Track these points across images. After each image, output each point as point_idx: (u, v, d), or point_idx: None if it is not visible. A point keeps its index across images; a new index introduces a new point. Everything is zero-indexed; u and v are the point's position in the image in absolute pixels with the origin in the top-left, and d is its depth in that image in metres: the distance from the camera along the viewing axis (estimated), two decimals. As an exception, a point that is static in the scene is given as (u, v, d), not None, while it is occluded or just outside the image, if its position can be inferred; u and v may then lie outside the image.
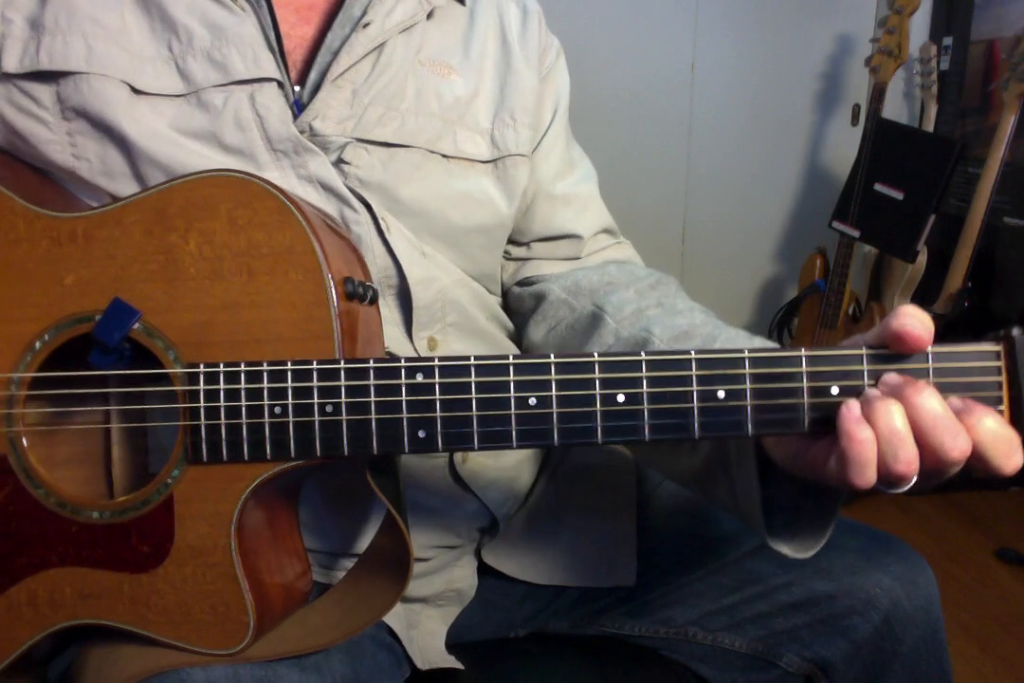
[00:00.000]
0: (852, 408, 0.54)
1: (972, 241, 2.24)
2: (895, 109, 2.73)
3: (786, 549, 0.64)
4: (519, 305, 0.89)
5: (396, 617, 0.79)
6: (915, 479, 0.53)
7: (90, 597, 0.64)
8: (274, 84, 0.72)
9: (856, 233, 2.34)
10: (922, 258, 2.30)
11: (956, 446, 0.52)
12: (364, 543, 0.73)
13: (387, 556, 0.67)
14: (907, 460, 0.52)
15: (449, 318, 0.78)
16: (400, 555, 0.65)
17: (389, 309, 0.76)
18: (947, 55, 2.62)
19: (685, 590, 0.84)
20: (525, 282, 0.89)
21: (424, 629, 0.83)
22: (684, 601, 0.84)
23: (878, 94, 2.37)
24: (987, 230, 2.23)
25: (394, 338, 0.75)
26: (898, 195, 2.24)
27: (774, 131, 2.88)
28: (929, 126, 2.54)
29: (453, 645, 0.84)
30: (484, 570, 0.88)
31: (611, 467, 0.93)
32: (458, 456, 0.81)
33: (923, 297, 2.38)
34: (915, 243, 2.18)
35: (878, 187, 2.29)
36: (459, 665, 0.81)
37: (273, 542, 0.67)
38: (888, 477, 0.53)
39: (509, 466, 0.86)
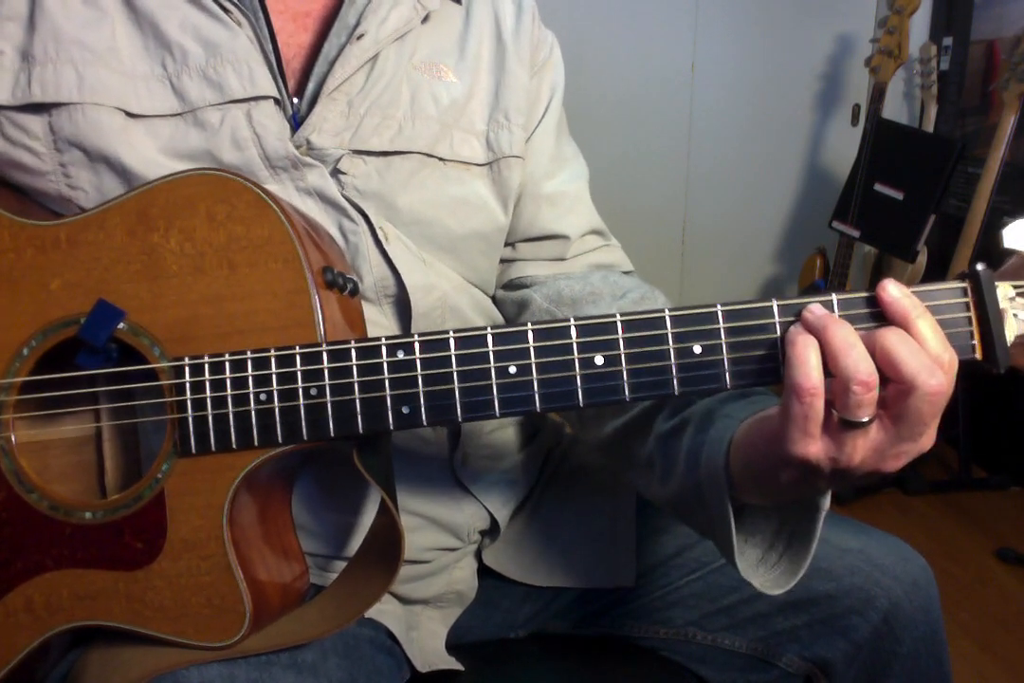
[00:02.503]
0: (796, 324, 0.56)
1: (972, 241, 2.23)
2: (895, 109, 2.73)
3: (756, 582, 0.64)
4: (501, 310, 0.88)
5: (396, 619, 0.79)
6: (873, 410, 0.53)
7: (86, 598, 0.64)
8: (271, 101, 0.72)
9: (856, 233, 2.34)
10: (922, 258, 2.30)
11: (933, 375, 0.52)
12: (358, 545, 0.73)
13: (380, 542, 0.68)
14: (860, 359, 0.53)
15: (448, 324, 0.78)
16: (392, 537, 0.65)
17: (387, 318, 0.76)
18: (947, 55, 2.62)
19: (684, 591, 0.84)
20: (509, 285, 0.88)
21: (425, 630, 0.83)
22: (683, 602, 0.84)
23: (878, 94, 2.37)
24: (987, 230, 2.23)
25: None
26: (898, 195, 2.24)
27: (774, 131, 2.89)
28: (929, 126, 2.54)
29: (453, 646, 0.84)
30: (484, 571, 0.88)
31: (611, 468, 0.92)
32: (458, 458, 0.81)
33: (923, 297, 2.38)
34: (915, 243, 2.18)
35: (878, 187, 2.29)
36: (459, 666, 0.81)
37: (266, 534, 0.67)
38: (847, 380, 0.53)
39: (509, 468, 0.86)
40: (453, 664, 0.81)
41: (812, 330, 0.55)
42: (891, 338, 0.53)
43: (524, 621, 0.89)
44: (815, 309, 0.56)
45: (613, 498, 0.89)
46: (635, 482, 0.77)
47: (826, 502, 0.62)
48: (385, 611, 0.79)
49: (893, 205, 2.25)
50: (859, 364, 0.53)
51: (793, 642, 0.81)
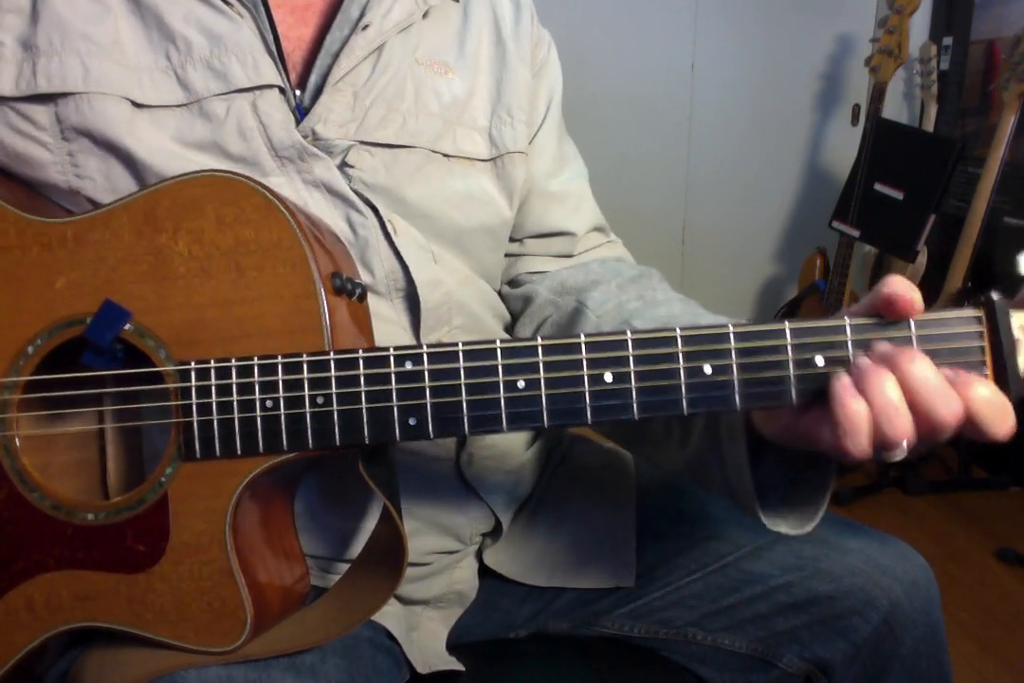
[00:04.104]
0: (843, 380, 0.54)
1: (972, 241, 2.23)
2: (895, 109, 2.73)
3: (784, 527, 0.64)
4: (507, 306, 0.89)
5: (396, 619, 0.79)
6: (906, 449, 0.54)
7: (87, 599, 0.64)
8: (275, 90, 0.72)
9: (856, 233, 2.34)
10: (922, 258, 2.30)
11: (949, 411, 0.52)
12: (361, 548, 0.73)
13: (383, 549, 0.67)
14: (903, 428, 0.53)
15: (456, 320, 0.78)
16: (394, 546, 0.65)
17: (397, 312, 0.76)
18: (947, 55, 2.62)
19: (684, 591, 0.84)
20: (515, 282, 0.89)
21: (425, 631, 0.83)
22: (684, 602, 0.84)
23: (878, 94, 2.37)
24: (987, 230, 2.23)
25: (402, 342, 0.75)
26: (898, 195, 2.24)
27: (774, 131, 2.89)
28: (929, 126, 2.54)
29: (452, 646, 0.84)
30: (485, 571, 0.88)
31: (611, 468, 0.93)
32: (464, 458, 0.81)
33: (923, 297, 2.38)
34: (915, 243, 2.18)
35: (878, 187, 2.29)
36: (460, 667, 0.81)
37: (268, 539, 0.67)
38: (884, 444, 0.53)
39: (514, 469, 0.86)
40: (454, 664, 0.81)
41: (858, 382, 0.54)
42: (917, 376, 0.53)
43: (524, 621, 0.89)
44: (862, 363, 0.54)
45: (613, 498, 0.89)
46: (651, 453, 0.76)
47: None
48: (385, 611, 0.79)
49: (893, 205, 2.25)
50: (899, 430, 0.53)
51: (793, 643, 0.81)
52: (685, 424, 0.70)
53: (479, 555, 0.88)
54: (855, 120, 2.84)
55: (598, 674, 0.85)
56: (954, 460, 2.44)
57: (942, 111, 2.57)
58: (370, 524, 0.74)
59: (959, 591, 1.96)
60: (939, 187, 2.13)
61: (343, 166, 0.74)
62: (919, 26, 2.64)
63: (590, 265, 0.87)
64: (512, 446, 0.86)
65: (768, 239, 3.00)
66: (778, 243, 3.00)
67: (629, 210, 2.79)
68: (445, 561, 0.83)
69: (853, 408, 0.53)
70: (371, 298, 0.70)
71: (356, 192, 0.74)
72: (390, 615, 0.79)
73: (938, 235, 2.35)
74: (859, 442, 0.53)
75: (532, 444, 0.89)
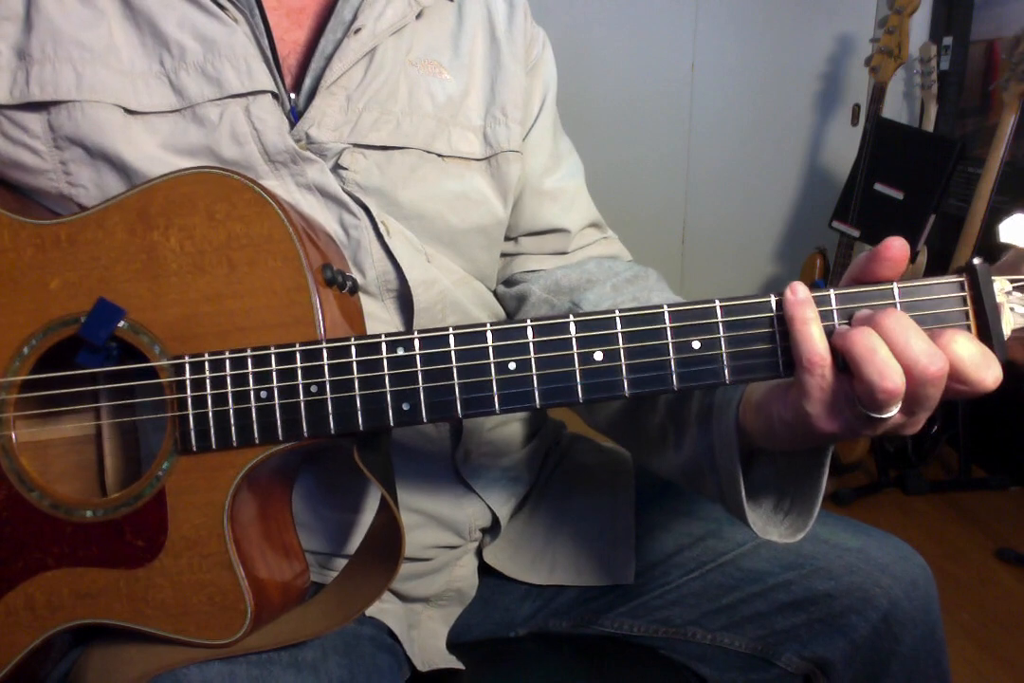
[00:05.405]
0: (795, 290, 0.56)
1: (972, 241, 2.23)
2: (895, 109, 2.73)
3: (775, 535, 0.64)
4: (502, 306, 0.89)
5: (396, 618, 0.79)
6: (899, 406, 0.53)
7: (88, 597, 0.64)
8: (269, 95, 0.72)
9: (856, 233, 2.34)
10: (922, 258, 2.30)
11: (932, 362, 0.52)
12: (359, 543, 0.73)
13: (381, 539, 0.68)
14: (892, 376, 0.52)
15: (449, 319, 0.79)
16: (392, 535, 0.65)
17: (389, 312, 0.76)
18: (947, 55, 2.62)
19: (684, 589, 0.84)
20: (510, 281, 0.89)
21: (425, 629, 0.83)
22: (683, 601, 0.84)
23: (878, 94, 2.37)
24: (987, 230, 2.23)
25: None
26: (898, 195, 2.24)
27: (774, 131, 2.89)
28: (929, 126, 2.54)
29: (453, 645, 0.84)
30: (484, 569, 0.88)
31: (610, 467, 0.93)
32: (460, 455, 0.81)
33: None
34: (915, 243, 2.18)
35: (878, 187, 2.29)
36: (460, 665, 0.81)
37: (267, 532, 0.67)
38: (875, 395, 0.52)
39: (511, 465, 0.86)
40: (454, 663, 0.81)
41: (840, 343, 0.54)
42: (897, 332, 0.53)
43: (524, 620, 0.89)
44: (842, 327, 0.55)
45: (612, 497, 0.90)
46: (646, 457, 0.77)
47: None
48: (386, 610, 0.79)
49: (893, 205, 2.25)
50: (890, 380, 0.52)
51: (792, 641, 0.81)
52: (680, 429, 0.70)
53: (479, 553, 0.88)
54: (855, 120, 2.84)
55: (598, 673, 0.85)
56: (954, 460, 2.43)
57: (942, 111, 2.57)
58: (367, 518, 0.75)
59: (959, 591, 1.96)
60: (939, 187, 2.13)
61: (336, 168, 0.74)
62: (919, 26, 2.64)
63: (586, 264, 0.87)
64: (508, 443, 0.86)
65: (768, 239, 3.00)
66: (778, 243, 3.00)
67: (629, 210, 2.79)
68: (445, 557, 0.83)
69: (798, 313, 0.54)
70: (362, 298, 0.70)
71: (349, 194, 0.74)
72: (391, 613, 0.79)
73: (938, 235, 2.35)
74: (815, 348, 0.53)
75: (529, 441, 0.89)
